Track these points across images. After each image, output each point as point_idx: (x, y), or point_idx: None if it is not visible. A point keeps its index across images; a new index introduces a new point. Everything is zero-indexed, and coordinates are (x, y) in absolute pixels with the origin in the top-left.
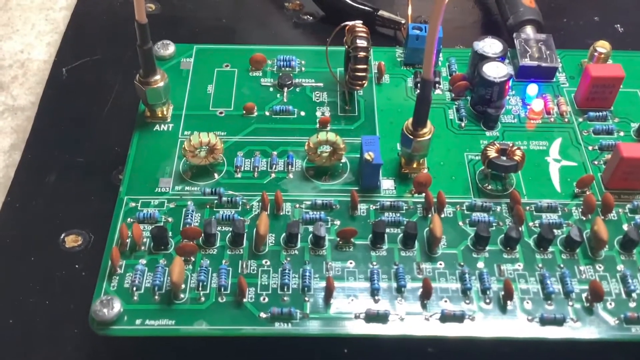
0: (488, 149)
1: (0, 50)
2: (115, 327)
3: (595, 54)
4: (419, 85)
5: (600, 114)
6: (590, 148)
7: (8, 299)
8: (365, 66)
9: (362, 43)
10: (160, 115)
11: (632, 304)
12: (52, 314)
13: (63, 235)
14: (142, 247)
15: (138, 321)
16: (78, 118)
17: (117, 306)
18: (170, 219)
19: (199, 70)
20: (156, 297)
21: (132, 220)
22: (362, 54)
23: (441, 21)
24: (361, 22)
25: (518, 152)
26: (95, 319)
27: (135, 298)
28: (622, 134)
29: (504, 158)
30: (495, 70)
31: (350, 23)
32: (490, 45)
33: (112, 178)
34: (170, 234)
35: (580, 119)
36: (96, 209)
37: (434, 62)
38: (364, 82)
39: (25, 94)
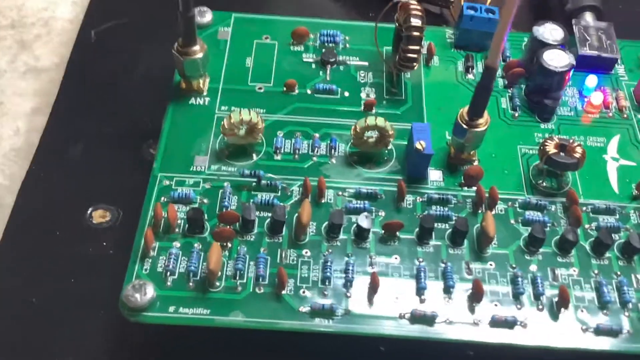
0: (546, 143)
1: (23, 6)
2: (148, 314)
3: None
4: (470, 70)
5: None
6: None
7: (31, 276)
8: (418, 47)
9: (416, 22)
10: (196, 88)
11: None
12: (77, 293)
13: (90, 209)
14: (177, 230)
15: (171, 308)
16: (106, 85)
17: (150, 292)
18: (205, 201)
19: (237, 41)
20: (190, 283)
21: (165, 199)
22: (415, 33)
23: (516, 6)
24: None
25: (578, 149)
26: (126, 304)
27: (168, 283)
28: None
29: (563, 154)
30: (556, 59)
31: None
32: (551, 32)
33: (142, 151)
34: (205, 217)
35: None
36: (125, 183)
37: (502, 50)
38: (415, 64)
39: (48, 55)
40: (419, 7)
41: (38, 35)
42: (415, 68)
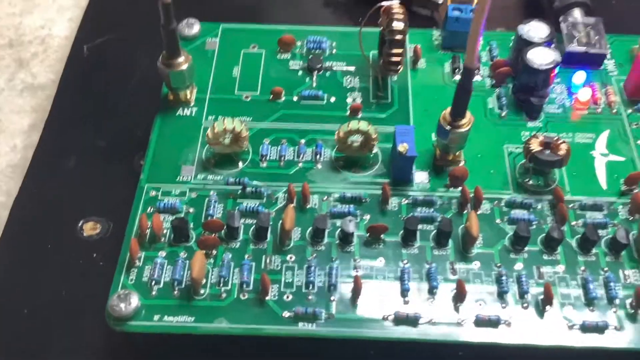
0: (531, 141)
1: (20, 25)
2: (133, 323)
3: None
4: (457, 71)
5: None
6: (639, 142)
7: (23, 287)
8: (401, 50)
9: (398, 25)
10: (183, 98)
11: None
12: (68, 304)
13: (81, 222)
14: (162, 239)
15: (156, 317)
16: (99, 99)
17: (135, 301)
18: (191, 210)
19: (224, 51)
20: (175, 292)
21: (152, 209)
22: (398, 37)
23: (488, 6)
24: (398, 2)
25: (563, 146)
26: (112, 314)
27: (153, 293)
28: None
29: (548, 152)
30: (540, 57)
31: (385, 3)
32: (536, 30)
33: (134, 163)
34: (191, 225)
35: (630, 110)
36: (116, 195)
37: (478, 49)
38: (399, 67)
39: (45, 72)
40: (401, 11)
41: (35, 53)
42: (400, 71)
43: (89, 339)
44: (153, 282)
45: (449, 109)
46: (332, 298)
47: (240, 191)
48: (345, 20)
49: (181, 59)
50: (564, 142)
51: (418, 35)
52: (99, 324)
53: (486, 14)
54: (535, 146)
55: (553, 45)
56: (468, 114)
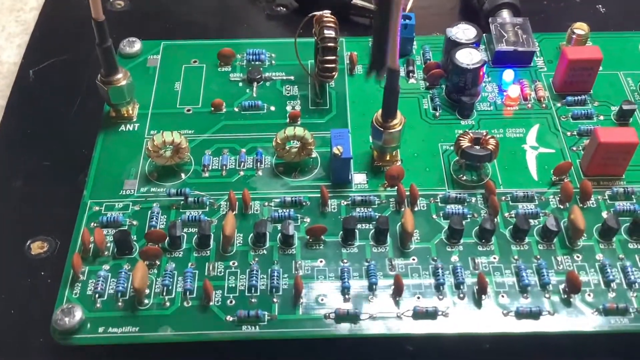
0: (461, 138)
1: None
2: (77, 336)
3: (574, 36)
4: None
5: (579, 98)
6: (568, 134)
7: None
8: (334, 57)
9: (329, 33)
10: (125, 114)
11: (612, 294)
12: (17, 323)
13: (29, 242)
14: (106, 253)
15: (101, 329)
16: (45, 121)
17: (79, 314)
18: (135, 222)
19: (166, 67)
20: (120, 303)
21: (95, 224)
22: (330, 44)
23: (401, 9)
24: (329, 11)
25: (492, 141)
26: (56, 328)
27: (98, 305)
28: (602, 118)
29: (478, 147)
30: (468, 57)
31: (318, 13)
32: (464, 32)
33: (79, 182)
34: (134, 237)
35: (559, 104)
36: (62, 213)
37: (398, 51)
38: (333, 73)
39: None
40: (332, 19)
41: None
42: (335, 77)
43: (38, 356)
44: (97, 295)
45: (380, 111)
46: (274, 300)
47: (182, 202)
48: (287, 33)
49: (119, 76)
50: (492, 137)
51: (355, 44)
52: (48, 340)
53: (399, 18)
54: (465, 142)
55: (482, 46)
56: (399, 115)
